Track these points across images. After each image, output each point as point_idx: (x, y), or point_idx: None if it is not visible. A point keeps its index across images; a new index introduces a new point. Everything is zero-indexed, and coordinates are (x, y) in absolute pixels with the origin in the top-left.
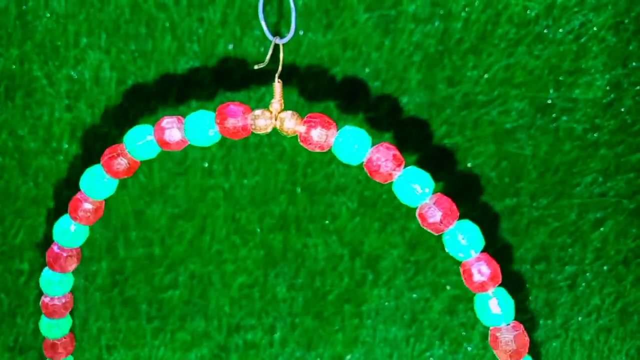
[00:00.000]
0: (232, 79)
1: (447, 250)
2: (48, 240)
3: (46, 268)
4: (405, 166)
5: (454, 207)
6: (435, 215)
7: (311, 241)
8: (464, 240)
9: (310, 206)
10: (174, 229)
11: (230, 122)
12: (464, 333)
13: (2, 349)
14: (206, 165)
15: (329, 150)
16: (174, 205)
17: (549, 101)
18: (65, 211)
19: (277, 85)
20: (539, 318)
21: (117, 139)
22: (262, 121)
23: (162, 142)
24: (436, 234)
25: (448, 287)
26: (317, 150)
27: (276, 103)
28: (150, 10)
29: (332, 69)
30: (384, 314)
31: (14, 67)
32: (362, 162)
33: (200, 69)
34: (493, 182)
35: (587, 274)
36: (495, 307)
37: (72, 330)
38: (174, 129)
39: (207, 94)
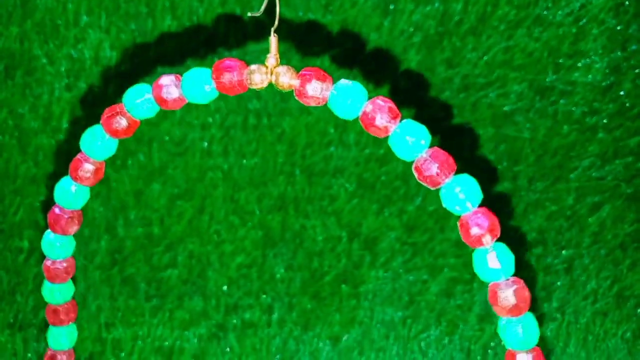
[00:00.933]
0: (229, 43)
1: (444, 204)
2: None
3: (47, 231)
4: (401, 120)
5: (451, 160)
6: (431, 169)
7: (309, 222)
8: (461, 194)
9: (308, 188)
10: (173, 209)
11: (226, 77)
12: (460, 314)
13: (2, 326)
14: (205, 145)
15: (329, 127)
16: (173, 185)
17: (548, 84)
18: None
19: (273, 40)
20: (536, 301)
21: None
22: (258, 76)
23: (160, 100)
24: (433, 188)
25: (446, 270)
26: (313, 104)
27: (272, 58)
28: None
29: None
30: (381, 295)
31: (14, 45)
32: (358, 116)
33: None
34: (491, 165)
35: (584, 258)
36: (494, 261)
37: (74, 297)
38: (171, 87)
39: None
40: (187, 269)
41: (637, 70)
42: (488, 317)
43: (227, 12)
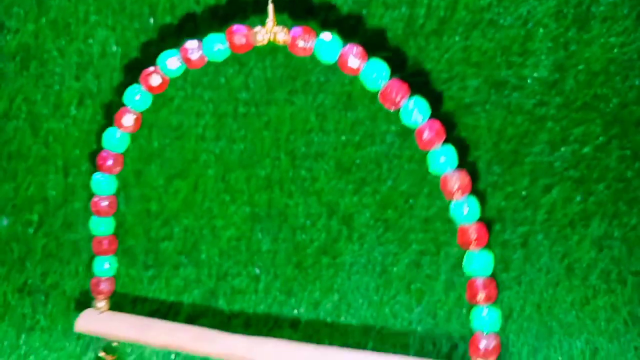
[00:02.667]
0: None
1: (403, 122)
2: (57, 197)
3: (96, 172)
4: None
5: (406, 86)
6: (393, 93)
7: (292, 201)
8: (415, 110)
9: (292, 170)
10: (170, 187)
11: (236, 38)
12: (428, 282)
13: (13, 291)
14: (200, 131)
15: (310, 115)
16: (170, 166)
17: (502, 79)
18: (74, 170)
19: (271, 7)
20: (496, 272)
21: (120, 106)
22: (260, 36)
23: (186, 60)
24: (394, 109)
25: (414, 245)
26: (302, 54)
27: (270, 22)
28: None
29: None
30: (357, 266)
31: (29, 40)
32: (336, 60)
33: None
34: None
35: (538, 234)
36: (442, 159)
37: (115, 234)
38: (195, 49)
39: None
40: (182, 242)
41: (578, 68)
42: (452, 285)
43: (224, 14)
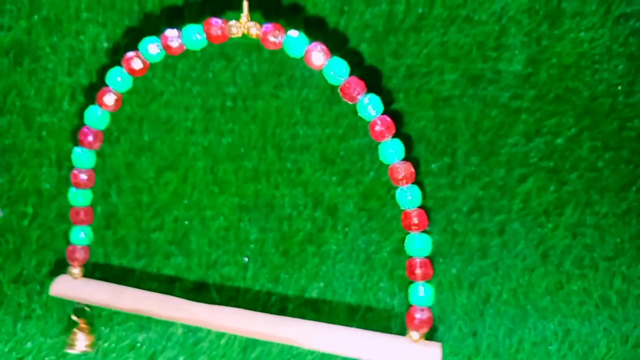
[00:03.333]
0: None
1: (359, 113)
2: (50, 189)
3: (76, 146)
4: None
5: (363, 83)
6: (351, 89)
7: (279, 192)
8: (370, 106)
9: (278, 162)
10: (160, 179)
11: (213, 29)
12: None
13: (9, 281)
14: (189, 125)
15: (295, 109)
16: (161, 158)
17: (478, 73)
18: (67, 162)
19: (245, 5)
20: (474, 259)
21: None
22: (235, 29)
23: (166, 47)
24: (352, 103)
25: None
26: (273, 48)
27: (244, 17)
28: None
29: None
30: (341, 254)
31: (22, 37)
32: (303, 55)
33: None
34: (432, 142)
35: (514, 222)
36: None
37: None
38: (174, 37)
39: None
40: (173, 232)
41: (550, 61)
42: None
43: (209, 10)
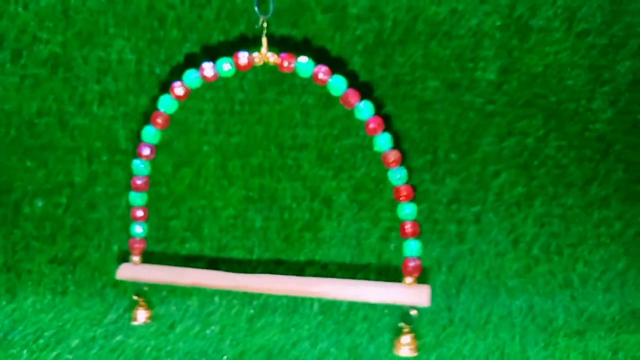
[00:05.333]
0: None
1: (357, 117)
2: (82, 182)
3: (134, 159)
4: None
5: (359, 93)
6: (349, 98)
7: (281, 185)
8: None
9: (280, 159)
10: (177, 174)
11: (241, 60)
12: (394, 253)
13: (46, 262)
14: (202, 126)
15: (296, 113)
16: (177, 156)
17: (456, 81)
18: (96, 159)
19: (264, 39)
20: (452, 244)
21: (136, 104)
22: (257, 59)
23: (203, 77)
24: (350, 108)
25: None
26: (287, 72)
27: (264, 49)
28: (162, 8)
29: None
30: (335, 240)
31: (58, 49)
32: (311, 75)
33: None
34: (416, 142)
35: (489, 213)
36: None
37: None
38: (209, 69)
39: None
40: (188, 220)
41: (521, 71)
42: None
43: (219, 26)
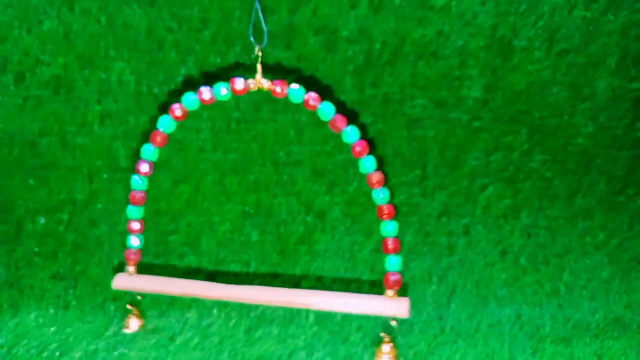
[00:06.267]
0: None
1: (344, 140)
2: (83, 199)
3: (133, 175)
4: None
5: (345, 119)
6: (337, 123)
7: (276, 200)
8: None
9: (275, 175)
10: (175, 190)
11: (237, 85)
12: None
13: (48, 277)
14: (200, 144)
15: (290, 131)
16: (176, 173)
17: (444, 99)
18: (97, 177)
19: (259, 66)
20: (443, 256)
21: (135, 124)
22: (252, 84)
23: (201, 99)
24: (337, 132)
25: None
26: (280, 97)
27: (259, 75)
28: (160, 32)
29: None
30: (329, 253)
31: (60, 71)
32: (302, 102)
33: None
34: (406, 157)
35: (477, 225)
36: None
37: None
38: (206, 92)
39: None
40: (186, 235)
41: (505, 88)
42: (407, 268)
43: (215, 49)
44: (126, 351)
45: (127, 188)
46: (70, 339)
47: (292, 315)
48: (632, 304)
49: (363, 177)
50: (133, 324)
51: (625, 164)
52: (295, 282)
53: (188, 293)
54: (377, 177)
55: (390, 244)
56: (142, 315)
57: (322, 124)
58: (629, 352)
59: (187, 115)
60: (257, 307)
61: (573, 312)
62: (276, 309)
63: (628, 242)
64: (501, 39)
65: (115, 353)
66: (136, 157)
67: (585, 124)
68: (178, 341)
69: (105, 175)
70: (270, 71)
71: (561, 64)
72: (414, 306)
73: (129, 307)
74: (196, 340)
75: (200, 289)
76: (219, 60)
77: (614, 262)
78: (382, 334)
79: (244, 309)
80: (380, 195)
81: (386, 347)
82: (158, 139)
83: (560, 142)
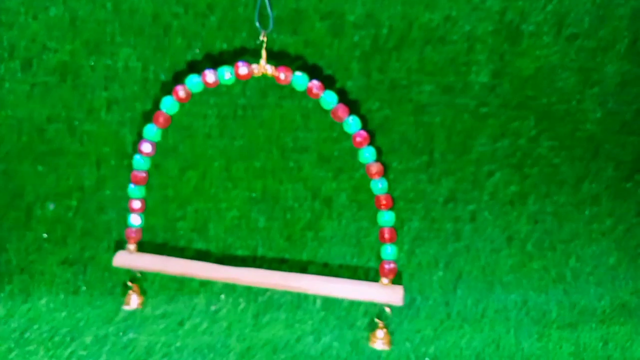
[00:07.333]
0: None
1: (345, 130)
2: (91, 186)
3: (135, 154)
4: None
5: (347, 108)
6: (339, 112)
7: (283, 186)
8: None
9: (282, 161)
10: (183, 176)
11: (241, 70)
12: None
13: (57, 262)
14: (207, 130)
15: (296, 117)
16: (183, 159)
17: (451, 84)
18: (105, 163)
19: (264, 52)
20: (449, 242)
21: (142, 110)
22: (256, 69)
23: (205, 82)
24: (340, 121)
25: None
26: (284, 84)
27: (263, 61)
28: (166, 17)
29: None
30: (335, 239)
31: (67, 58)
32: (305, 89)
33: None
34: (413, 143)
35: (484, 211)
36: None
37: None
38: (211, 75)
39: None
40: (194, 221)
41: (513, 74)
42: (413, 253)
43: (221, 34)
44: (136, 336)
45: None
46: (81, 324)
47: (300, 300)
48: (638, 290)
49: None
50: (133, 301)
51: (634, 149)
52: (302, 268)
53: (188, 273)
54: (376, 167)
55: (386, 233)
56: (142, 293)
57: (328, 110)
58: (635, 337)
59: (190, 97)
60: (264, 292)
61: (579, 298)
62: (284, 294)
63: (635, 229)
64: (509, 24)
65: (125, 338)
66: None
67: (593, 109)
68: (187, 326)
69: (113, 162)
70: (277, 57)
71: (570, 49)
72: (420, 291)
73: (129, 284)
74: (205, 325)
75: (202, 270)
76: (225, 45)
77: (620, 249)
78: (376, 320)
79: (252, 294)
80: (379, 186)
81: (380, 333)
82: (160, 119)
83: (568, 127)
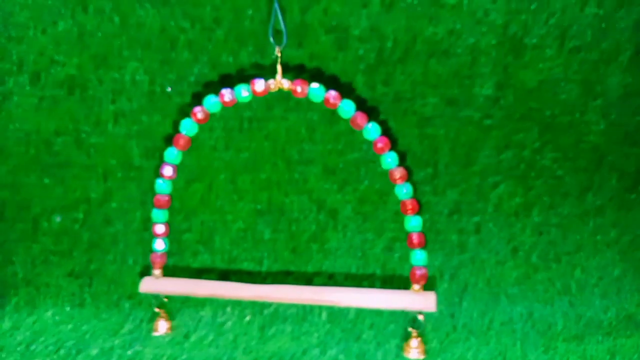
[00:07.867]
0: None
1: (365, 137)
2: (98, 198)
3: (157, 178)
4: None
5: (366, 116)
6: (358, 120)
7: (288, 198)
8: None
9: (287, 173)
10: (189, 188)
11: (257, 86)
12: (398, 263)
13: (63, 275)
14: (213, 143)
15: (302, 129)
16: (189, 171)
17: (455, 97)
18: (111, 176)
19: (279, 67)
20: (454, 254)
21: (149, 123)
22: (273, 85)
23: (222, 101)
24: (358, 129)
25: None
26: (301, 96)
27: (279, 76)
28: (173, 31)
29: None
30: (341, 251)
31: (74, 71)
32: (322, 100)
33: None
34: (417, 155)
35: (488, 223)
36: (389, 160)
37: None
38: (228, 94)
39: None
40: (200, 233)
41: (517, 86)
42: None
43: (228, 48)
44: (141, 348)
45: (142, 186)
46: (87, 337)
47: (305, 313)
48: None
49: (375, 175)
50: (162, 326)
51: (637, 160)
52: (307, 280)
53: (217, 294)
54: (399, 172)
55: (415, 238)
56: (169, 317)
57: (333, 122)
58: None
59: (208, 117)
60: (270, 305)
61: (585, 310)
62: (289, 307)
63: None
64: (513, 37)
65: (131, 350)
66: (150, 155)
67: (597, 121)
68: (193, 338)
69: (119, 174)
70: (285, 70)
71: (573, 62)
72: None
73: (156, 310)
74: (211, 337)
75: (231, 290)
76: (231, 59)
77: (625, 260)
78: (410, 329)
79: (257, 306)
80: (404, 191)
81: (414, 342)
82: (181, 142)
83: (571, 139)
